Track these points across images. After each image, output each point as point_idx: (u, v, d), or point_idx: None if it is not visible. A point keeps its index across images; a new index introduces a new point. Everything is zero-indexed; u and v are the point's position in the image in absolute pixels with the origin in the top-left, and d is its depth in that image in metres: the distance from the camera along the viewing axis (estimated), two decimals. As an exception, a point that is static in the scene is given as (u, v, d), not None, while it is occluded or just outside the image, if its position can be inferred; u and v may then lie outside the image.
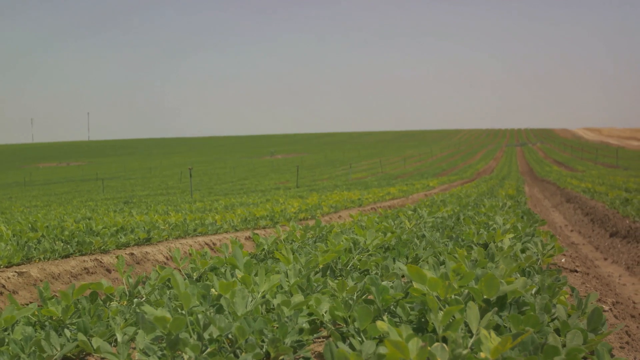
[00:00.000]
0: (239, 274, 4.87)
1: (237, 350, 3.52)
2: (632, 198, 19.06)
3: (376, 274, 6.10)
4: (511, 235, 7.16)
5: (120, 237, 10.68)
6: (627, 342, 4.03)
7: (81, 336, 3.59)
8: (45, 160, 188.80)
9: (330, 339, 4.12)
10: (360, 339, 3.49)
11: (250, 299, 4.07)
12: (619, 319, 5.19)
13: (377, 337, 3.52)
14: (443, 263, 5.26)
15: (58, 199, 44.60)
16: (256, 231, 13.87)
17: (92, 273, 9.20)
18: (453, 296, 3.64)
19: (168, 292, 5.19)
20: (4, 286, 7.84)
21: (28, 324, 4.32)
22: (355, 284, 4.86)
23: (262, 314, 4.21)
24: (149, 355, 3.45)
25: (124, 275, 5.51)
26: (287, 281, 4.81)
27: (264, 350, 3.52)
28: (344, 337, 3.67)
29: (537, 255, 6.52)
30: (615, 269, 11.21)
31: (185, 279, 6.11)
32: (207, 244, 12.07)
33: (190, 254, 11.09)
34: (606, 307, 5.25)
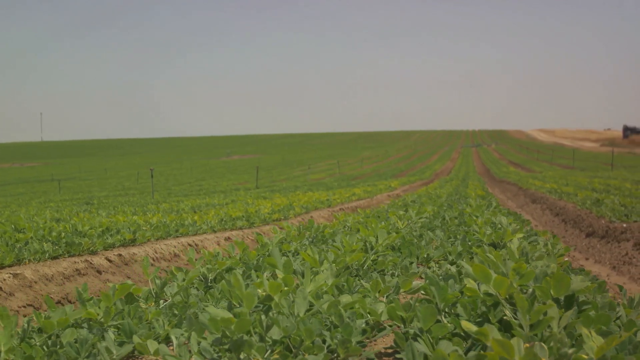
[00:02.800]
0: (279, 274, 4.78)
1: (300, 352, 3.44)
2: (603, 198, 19.27)
3: (392, 273, 6.06)
4: (520, 235, 7.16)
5: (107, 238, 10.52)
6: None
7: (137, 339, 3.49)
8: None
9: (381, 338, 4.06)
10: (428, 339, 3.43)
11: (298, 299, 4.01)
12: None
13: (441, 337, 3.47)
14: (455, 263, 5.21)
15: (16, 200, 43.95)
16: (233, 232, 13.79)
17: (83, 274, 9.04)
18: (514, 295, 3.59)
19: (193, 292, 5.09)
20: (0, 288, 7.67)
21: (66, 326, 4.20)
22: (385, 284, 4.81)
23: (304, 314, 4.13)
24: (208, 358, 3.36)
25: (150, 276, 5.39)
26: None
27: (328, 350, 3.45)
28: (407, 337, 3.61)
29: (548, 254, 6.52)
30: (600, 269, 11.28)
31: (202, 280, 6.02)
32: (190, 244, 11.94)
33: (172, 255, 10.96)
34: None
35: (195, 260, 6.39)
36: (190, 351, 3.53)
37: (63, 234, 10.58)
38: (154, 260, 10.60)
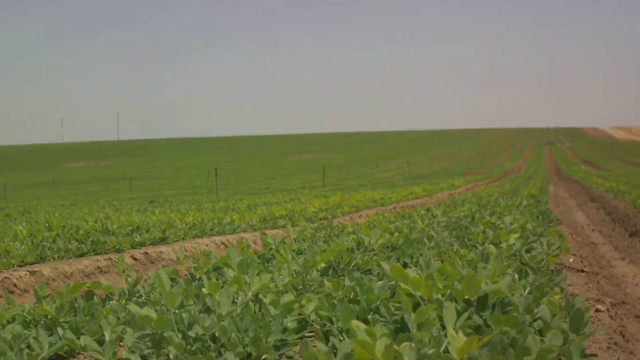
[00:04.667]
0: (231, 273, 4.92)
1: (221, 349, 3.56)
2: (653, 197, 18.94)
3: (378, 273, 6.12)
4: (517, 235, 7.15)
5: (136, 237, 10.75)
6: (616, 343, 4.02)
7: (69, 334, 3.65)
8: (75, 160, 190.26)
9: (309, 339, 4.15)
10: (342, 338, 3.52)
11: (240, 298, 4.13)
12: (615, 319, 5.17)
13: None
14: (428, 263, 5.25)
15: (85, 198, 45.08)
16: (274, 231, 13.93)
17: (104, 272, 9.28)
18: (435, 296, 3.65)
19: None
20: (15, 285, 7.95)
21: (24, 322, 4.39)
22: (354, 284, 4.88)
23: (254, 313, 4.24)
24: (135, 353, 3.50)
25: (123, 275, 5.58)
26: (281, 281, 4.85)
27: (247, 349, 3.55)
28: (327, 337, 3.69)
29: (542, 255, 6.51)
30: (631, 269, 11.12)
31: (185, 278, 6.17)
32: (223, 243, 12.10)
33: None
34: (603, 308, 5.23)
35: (184, 259, 6.55)
36: (121, 346, 3.69)
37: (90, 232, 10.86)
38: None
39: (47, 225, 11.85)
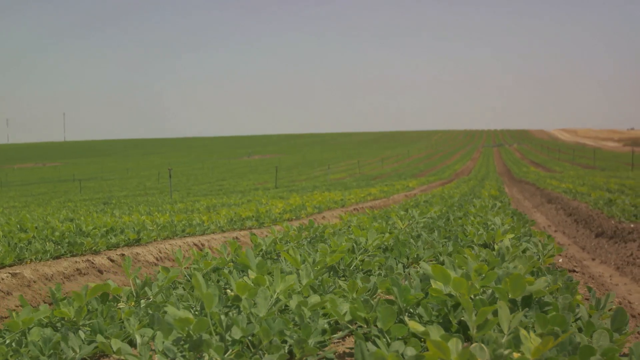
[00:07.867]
0: (251, 274, 4.82)
1: (260, 352, 3.48)
2: (615, 199, 19.16)
3: (379, 274, 6.08)
4: (511, 236, 7.16)
5: (111, 238, 10.60)
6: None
7: (100, 338, 3.54)
8: (21, 161, 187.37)
9: (348, 338, 4.09)
10: (385, 339, 3.46)
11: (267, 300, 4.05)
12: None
13: (400, 337, 3.50)
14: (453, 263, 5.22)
15: (36, 199, 44.33)
16: (242, 232, 13.84)
17: (84, 274, 9.12)
18: (477, 296, 3.62)
19: (174, 292, 5.13)
20: (-2, 287, 7.76)
21: (40, 325, 4.26)
22: (363, 284, 4.83)
23: (275, 314, 4.17)
24: (170, 357, 3.40)
25: (131, 276, 5.45)
26: (299, 282, 4.78)
27: (287, 350, 3.49)
28: (367, 338, 3.64)
29: (538, 255, 6.53)
30: (604, 269, 11.24)
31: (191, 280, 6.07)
32: (195, 244, 11.99)
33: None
34: (613, 307, 5.25)
35: (182, 260, 6.44)
36: (154, 350, 3.59)
37: (66, 233, 10.66)
38: (157, 260, 10.67)
39: (19, 226, 11.60)
